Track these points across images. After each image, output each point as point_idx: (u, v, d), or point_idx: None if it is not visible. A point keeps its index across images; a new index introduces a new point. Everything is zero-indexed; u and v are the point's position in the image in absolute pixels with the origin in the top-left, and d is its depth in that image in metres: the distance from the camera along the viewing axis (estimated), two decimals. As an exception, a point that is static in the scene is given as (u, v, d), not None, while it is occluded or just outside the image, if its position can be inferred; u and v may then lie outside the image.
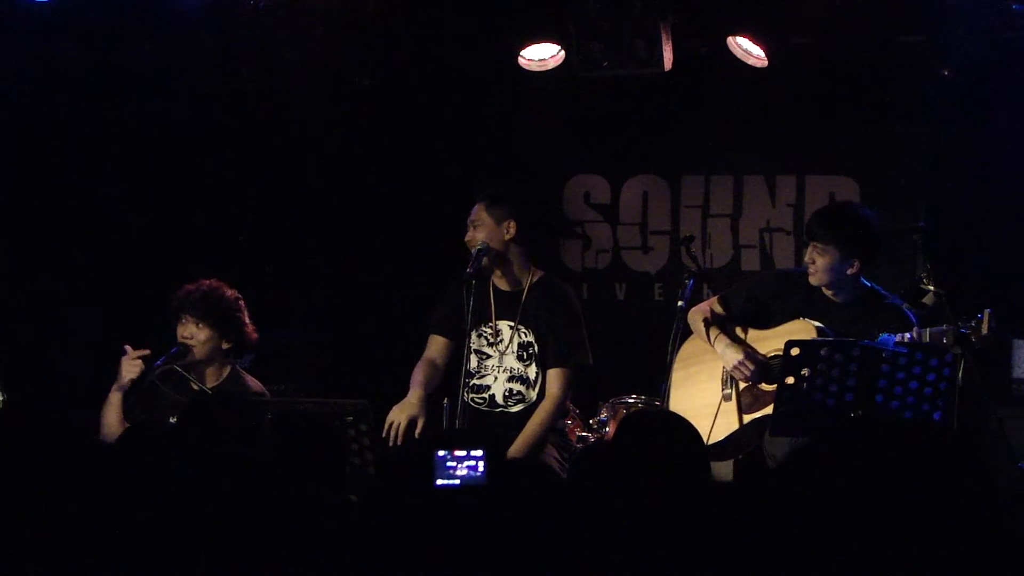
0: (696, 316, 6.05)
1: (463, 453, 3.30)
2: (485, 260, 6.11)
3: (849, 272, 5.80)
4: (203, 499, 3.53)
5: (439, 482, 3.29)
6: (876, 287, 5.91)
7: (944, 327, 5.52)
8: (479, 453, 3.31)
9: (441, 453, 3.29)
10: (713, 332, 5.96)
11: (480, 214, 6.19)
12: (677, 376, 6.08)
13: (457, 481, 3.29)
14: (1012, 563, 2.20)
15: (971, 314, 5.57)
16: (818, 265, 5.81)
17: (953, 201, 7.84)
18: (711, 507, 2.84)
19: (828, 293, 5.89)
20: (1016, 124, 7.48)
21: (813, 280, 5.85)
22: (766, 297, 6.02)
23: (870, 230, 5.85)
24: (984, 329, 5.51)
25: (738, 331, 6.02)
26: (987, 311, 5.54)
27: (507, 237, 6.16)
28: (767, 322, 5.98)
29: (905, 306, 5.76)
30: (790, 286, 5.97)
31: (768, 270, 7.94)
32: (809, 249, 5.87)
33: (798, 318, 5.83)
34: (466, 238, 6.19)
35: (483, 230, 6.15)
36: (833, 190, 8.26)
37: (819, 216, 6.00)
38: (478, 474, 3.30)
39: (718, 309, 6.09)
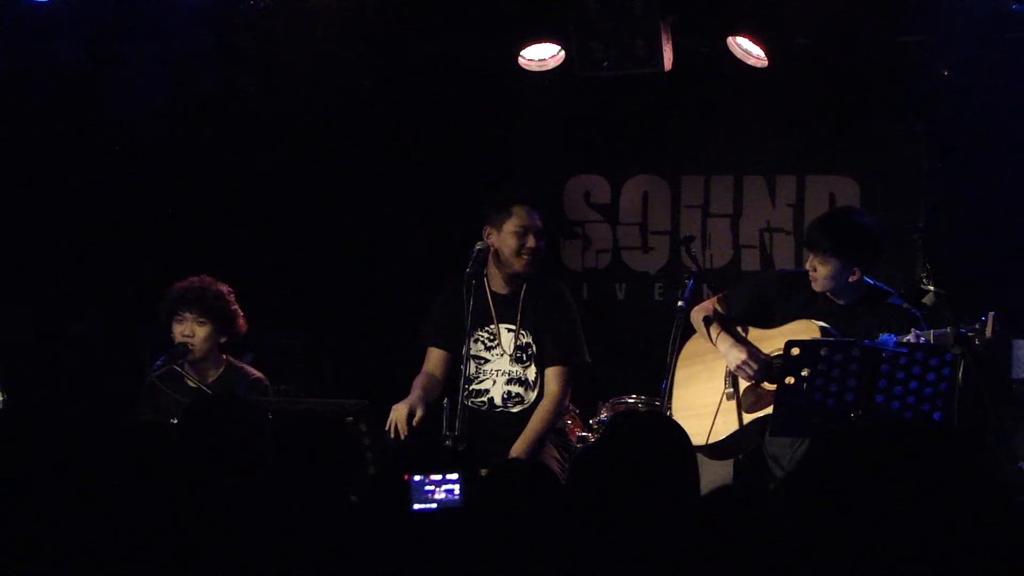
0: (699, 315, 6.03)
1: (439, 477, 3.35)
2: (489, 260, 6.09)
3: (851, 280, 5.81)
4: (204, 499, 3.53)
5: (416, 507, 3.33)
6: (879, 285, 5.90)
7: (948, 329, 5.51)
8: (455, 477, 3.36)
9: (418, 478, 3.33)
10: (716, 331, 5.95)
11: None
12: (680, 375, 6.06)
13: (434, 505, 3.33)
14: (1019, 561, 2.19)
15: (971, 314, 5.56)
16: (819, 273, 5.82)
17: (953, 201, 7.83)
18: (704, 509, 2.84)
19: (830, 296, 5.89)
20: (1016, 124, 7.48)
21: (816, 287, 5.86)
22: (768, 297, 6.01)
23: (869, 238, 5.84)
24: (988, 332, 5.50)
25: (740, 330, 6.01)
26: (991, 314, 5.53)
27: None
28: (769, 322, 5.97)
29: (905, 305, 5.75)
30: (792, 287, 5.96)
31: (771, 270, 7.92)
32: (810, 258, 5.87)
33: (800, 318, 5.83)
34: (537, 249, 6.13)
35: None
36: (833, 190, 8.25)
37: (817, 227, 5.96)
38: (455, 497, 3.35)
39: (720, 308, 6.07)
